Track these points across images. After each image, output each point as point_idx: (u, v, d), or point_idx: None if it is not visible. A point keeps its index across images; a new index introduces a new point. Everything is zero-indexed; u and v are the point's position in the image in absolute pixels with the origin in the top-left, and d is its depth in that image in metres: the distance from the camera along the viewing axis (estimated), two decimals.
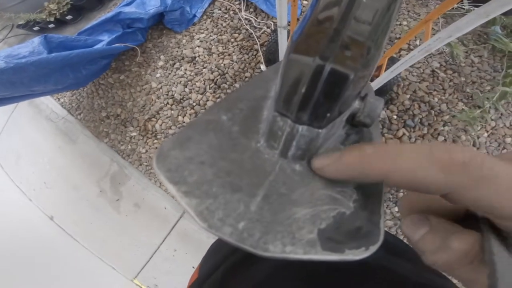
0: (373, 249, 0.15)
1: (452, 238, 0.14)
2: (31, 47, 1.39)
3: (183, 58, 1.71)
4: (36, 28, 2.05)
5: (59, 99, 1.99)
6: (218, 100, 1.57)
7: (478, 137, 1.21)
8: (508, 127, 1.20)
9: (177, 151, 0.18)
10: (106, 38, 1.62)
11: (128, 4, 1.67)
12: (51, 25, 2.05)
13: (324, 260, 0.15)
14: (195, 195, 0.16)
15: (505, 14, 0.57)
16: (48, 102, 1.99)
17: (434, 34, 0.70)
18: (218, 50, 1.66)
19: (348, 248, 0.15)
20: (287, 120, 0.18)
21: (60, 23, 2.07)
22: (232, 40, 1.66)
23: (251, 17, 1.67)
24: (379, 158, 0.14)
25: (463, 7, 1.34)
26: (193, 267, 1.51)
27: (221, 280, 0.36)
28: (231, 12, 1.73)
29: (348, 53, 0.15)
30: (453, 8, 1.32)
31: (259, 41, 1.59)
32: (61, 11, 1.94)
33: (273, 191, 0.18)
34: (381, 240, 0.16)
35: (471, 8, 1.30)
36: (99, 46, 1.57)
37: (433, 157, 0.13)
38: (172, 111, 1.64)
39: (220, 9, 1.77)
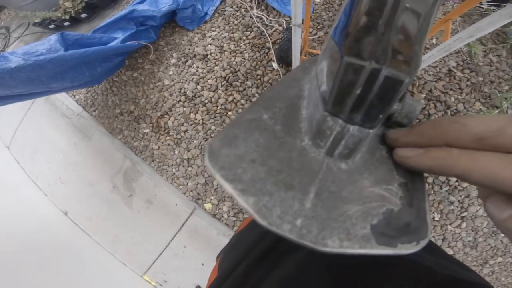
0: (423, 243, 0.16)
1: None
2: (48, 44, 1.42)
3: (195, 56, 1.72)
4: (51, 26, 2.10)
5: (74, 96, 2.04)
6: (231, 99, 1.57)
7: None
8: None
9: (226, 149, 0.19)
10: (120, 35, 1.64)
11: (141, 2, 1.68)
12: (66, 23, 2.09)
13: (379, 254, 0.16)
14: (251, 193, 0.17)
15: None
16: (63, 99, 2.04)
17: (452, 34, 0.69)
18: (229, 48, 1.66)
19: (400, 242, 0.16)
20: (338, 120, 0.18)
21: (75, 21, 2.12)
22: (244, 38, 1.66)
23: (263, 15, 1.66)
24: (464, 156, 0.16)
25: (482, 6, 1.31)
26: (202, 264, 1.54)
27: (243, 275, 0.36)
28: (243, 10, 1.73)
29: (401, 58, 0.15)
30: (472, 8, 1.28)
31: (270, 39, 1.59)
32: (76, 9, 1.98)
33: (324, 189, 0.18)
34: (430, 235, 0.17)
35: (490, 8, 1.27)
36: (113, 43, 1.60)
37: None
38: (184, 108, 1.65)
39: (231, 7, 1.77)
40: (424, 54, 0.83)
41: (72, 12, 1.97)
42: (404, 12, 0.15)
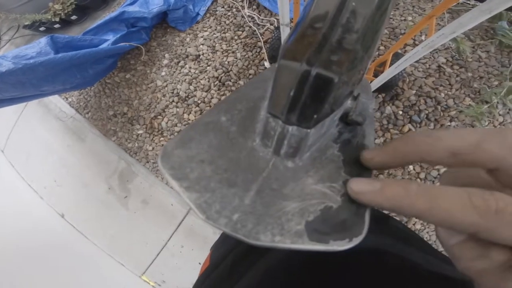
0: (356, 240, 0.16)
1: (492, 248, 0.14)
2: (38, 47, 1.42)
3: (187, 56, 1.72)
4: (42, 29, 2.08)
5: (67, 98, 2.03)
6: (221, 98, 1.57)
7: None
8: None
9: (179, 151, 0.20)
10: (111, 37, 1.63)
11: (131, 4, 1.68)
12: (57, 25, 2.07)
13: (311, 250, 0.16)
14: (195, 189, 0.18)
15: (510, 9, 0.56)
16: (56, 102, 2.03)
17: (438, 30, 0.70)
18: (222, 48, 1.66)
19: (332, 239, 0.16)
20: (278, 121, 0.19)
21: (66, 23, 2.10)
22: (236, 37, 1.66)
23: (254, 14, 1.66)
24: (421, 197, 0.14)
25: (468, 2, 1.32)
26: (200, 263, 1.55)
27: (231, 265, 0.38)
28: (234, 10, 1.73)
29: (334, 58, 0.16)
30: (458, 3, 1.29)
31: (262, 38, 1.59)
32: (66, 11, 1.96)
33: (266, 186, 0.19)
34: (364, 232, 0.17)
35: (477, 4, 1.28)
36: (104, 45, 1.59)
37: (471, 202, 0.13)
38: (178, 109, 1.65)
39: (223, 7, 1.77)
40: (411, 50, 0.83)
41: (62, 14, 1.96)
42: (348, 13, 0.16)
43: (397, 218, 1.20)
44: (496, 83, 1.22)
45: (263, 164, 0.20)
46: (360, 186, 0.17)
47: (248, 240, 0.16)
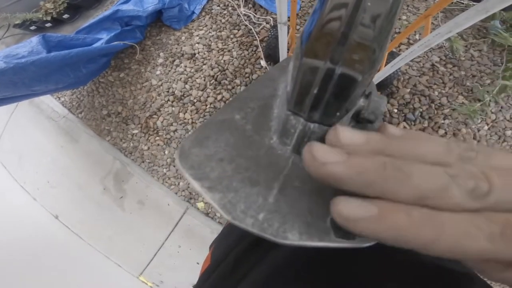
0: None
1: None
2: (29, 46, 1.39)
3: (182, 55, 1.71)
4: (33, 28, 2.04)
5: (59, 98, 1.99)
6: (220, 97, 1.57)
7: (479, 130, 1.22)
8: (508, 120, 1.21)
9: (197, 149, 0.20)
10: (104, 36, 1.61)
11: (125, 2, 1.66)
12: (48, 24, 2.04)
13: (338, 247, 0.16)
14: (217, 190, 0.18)
15: (504, 9, 0.57)
16: (48, 102, 1.99)
17: (433, 29, 0.70)
18: (217, 47, 1.66)
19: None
20: (300, 119, 0.19)
21: (57, 22, 2.06)
22: (232, 36, 1.66)
23: (250, 13, 1.66)
24: (426, 225, 0.12)
25: (462, 1, 1.34)
26: (198, 263, 1.54)
27: (234, 262, 0.37)
28: (230, 8, 1.72)
29: (356, 56, 0.16)
30: (452, 3, 1.31)
31: (258, 37, 1.59)
32: (57, 10, 1.92)
33: (288, 184, 0.19)
34: None
35: (471, 3, 1.30)
36: (97, 44, 1.57)
37: (477, 227, 0.12)
38: (173, 108, 1.64)
39: (218, 6, 1.76)
40: (406, 49, 0.84)
41: (54, 13, 1.92)
42: (365, 11, 0.16)
43: None
44: (488, 81, 1.25)
45: (282, 162, 0.20)
46: (351, 211, 0.13)
47: (276, 239, 0.16)
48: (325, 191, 0.19)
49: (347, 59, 0.16)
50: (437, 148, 0.15)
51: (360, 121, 0.22)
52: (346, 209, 0.14)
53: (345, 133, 0.15)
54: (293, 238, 0.16)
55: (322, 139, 0.19)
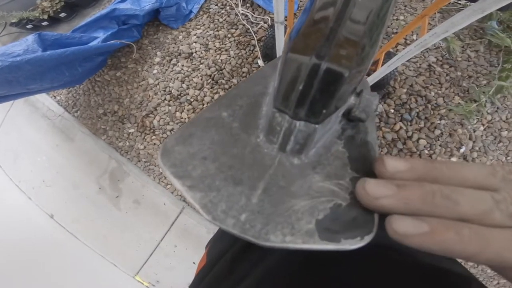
0: (368, 238, 0.16)
1: None
2: (25, 45, 1.38)
3: (180, 54, 1.70)
4: (29, 26, 2.02)
5: (55, 96, 1.98)
6: (217, 96, 1.56)
7: (475, 131, 1.22)
8: (504, 121, 1.22)
9: (180, 147, 0.19)
10: (101, 35, 1.60)
11: (123, 1, 1.65)
12: (45, 23, 2.02)
13: (322, 250, 0.16)
14: (199, 188, 0.17)
15: (501, 9, 0.57)
16: (44, 100, 1.98)
17: (430, 29, 0.70)
18: (215, 46, 1.65)
19: (344, 238, 0.16)
20: (285, 116, 0.19)
21: (54, 20, 2.04)
22: (229, 35, 1.65)
23: (248, 13, 1.65)
24: (473, 241, 0.14)
25: (459, 2, 1.34)
26: (194, 263, 1.54)
27: (230, 262, 0.36)
28: (228, 8, 1.72)
29: (343, 52, 0.15)
30: (449, 3, 1.31)
31: (256, 36, 1.59)
32: (54, 9, 1.91)
33: (273, 184, 0.18)
34: (375, 230, 0.17)
35: (468, 3, 1.30)
36: (94, 43, 1.56)
37: None
38: (170, 107, 1.64)
39: (216, 5, 1.75)
40: (403, 49, 0.84)
41: (51, 11, 1.90)
42: (355, 6, 0.15)
43: None
44: (484, 82, 1.25)
45: (268, 161, 0.20)
46: (405, 228, 0.15)
47: (257, 241, 0.15)
48: (313, 191, 0.18)
49: (333, 55, 0.15)
50: (482, 170, 0.16)
51: (351, 119, 0.21)
52: (401, 227, 0.15)
53: (389, 161, 0.17)
54: (276, 240, 0.16)
55: (307, 138, 0.19)
